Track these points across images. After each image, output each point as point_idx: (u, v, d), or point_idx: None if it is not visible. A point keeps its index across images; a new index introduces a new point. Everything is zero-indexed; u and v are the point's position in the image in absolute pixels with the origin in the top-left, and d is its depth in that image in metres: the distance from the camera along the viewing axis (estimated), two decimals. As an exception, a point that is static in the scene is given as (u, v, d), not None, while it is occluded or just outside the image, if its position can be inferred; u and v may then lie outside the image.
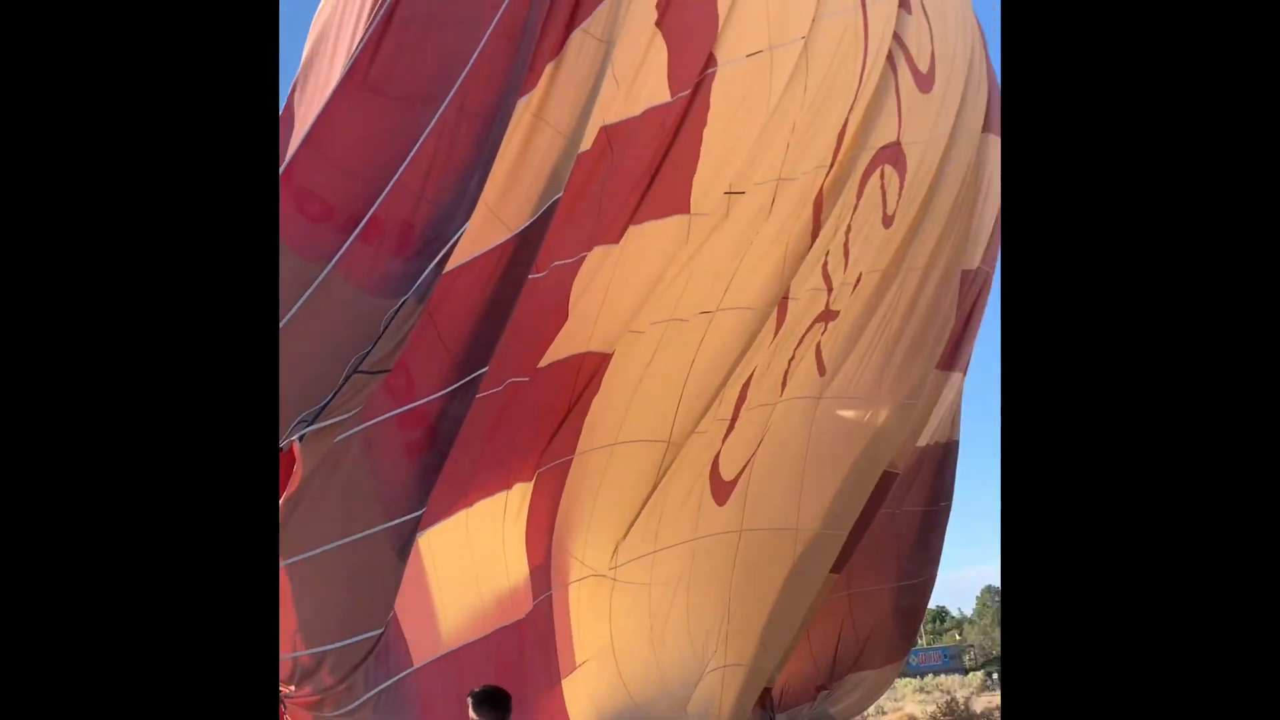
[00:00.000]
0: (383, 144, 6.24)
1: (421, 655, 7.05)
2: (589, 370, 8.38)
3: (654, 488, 9.12)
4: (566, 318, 7.97)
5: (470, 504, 7.62)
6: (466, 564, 7.66)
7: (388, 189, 6.22)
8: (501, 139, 6.42)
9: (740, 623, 9.78)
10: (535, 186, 7.01)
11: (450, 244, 6.34)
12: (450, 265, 6.90)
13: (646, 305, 8.47)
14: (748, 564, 9.81)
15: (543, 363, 8.00)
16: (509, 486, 8.10)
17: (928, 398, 10.45)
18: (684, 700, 9.38)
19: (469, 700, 4.21)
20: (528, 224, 6.99)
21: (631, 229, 8.00)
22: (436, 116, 6.20)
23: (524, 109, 6.80)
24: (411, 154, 6.21)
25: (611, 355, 8.45)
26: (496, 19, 6.35)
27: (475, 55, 6.27)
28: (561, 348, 8.08)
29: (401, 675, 6.76)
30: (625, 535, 9.07)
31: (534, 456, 8.31)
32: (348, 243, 6.35)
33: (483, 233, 6.81)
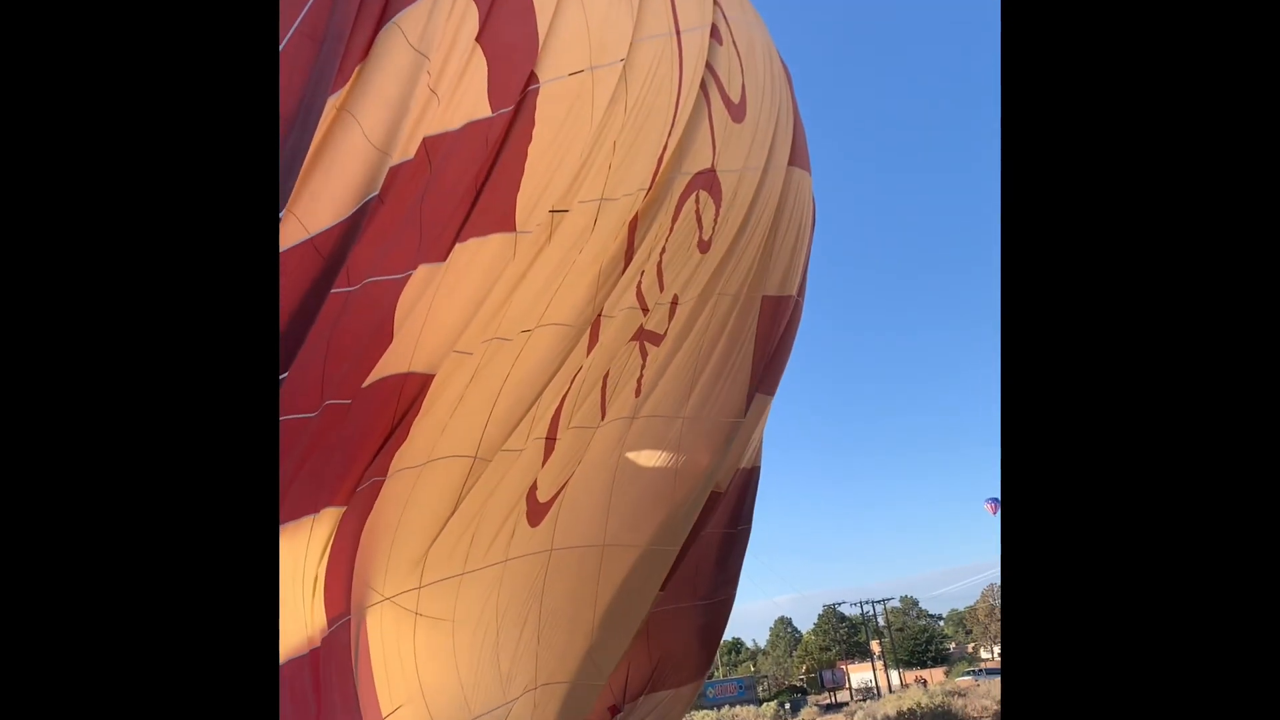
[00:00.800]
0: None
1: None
2: (411, 392, 8.02)
3: (457, 505, 8.81)
4: (391, 339, 7.58)
5: (282, 523, 7.06)
6: None
7: None
8: (307, 144, 6.08)
9: (554, 642, 9.65)
10: (340, 189, 6.67)
11: None
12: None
13: (472, 325, 8.21)
14: (560, 583, 9.71)
15: (368, 382, 7.57)
16: (316, 511, 7.60)
17: (751, 420, 10.77)
18: None
19: None
20: (330, 228, 6.63)
21: (457, 246, 7.74)
22: None
23: (331, 106, 6.47)
24: None
25: (434, 376, 8.10)
26: (299, 20, 6.03)
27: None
28: (384, 367, 7.68)
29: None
30: (426, 556, 8.69)
31: (348, 481, 7.82)
32: None
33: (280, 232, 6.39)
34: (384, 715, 8.21)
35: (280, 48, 6.08)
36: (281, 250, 6.90)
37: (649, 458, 10.55)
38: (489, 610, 9.36)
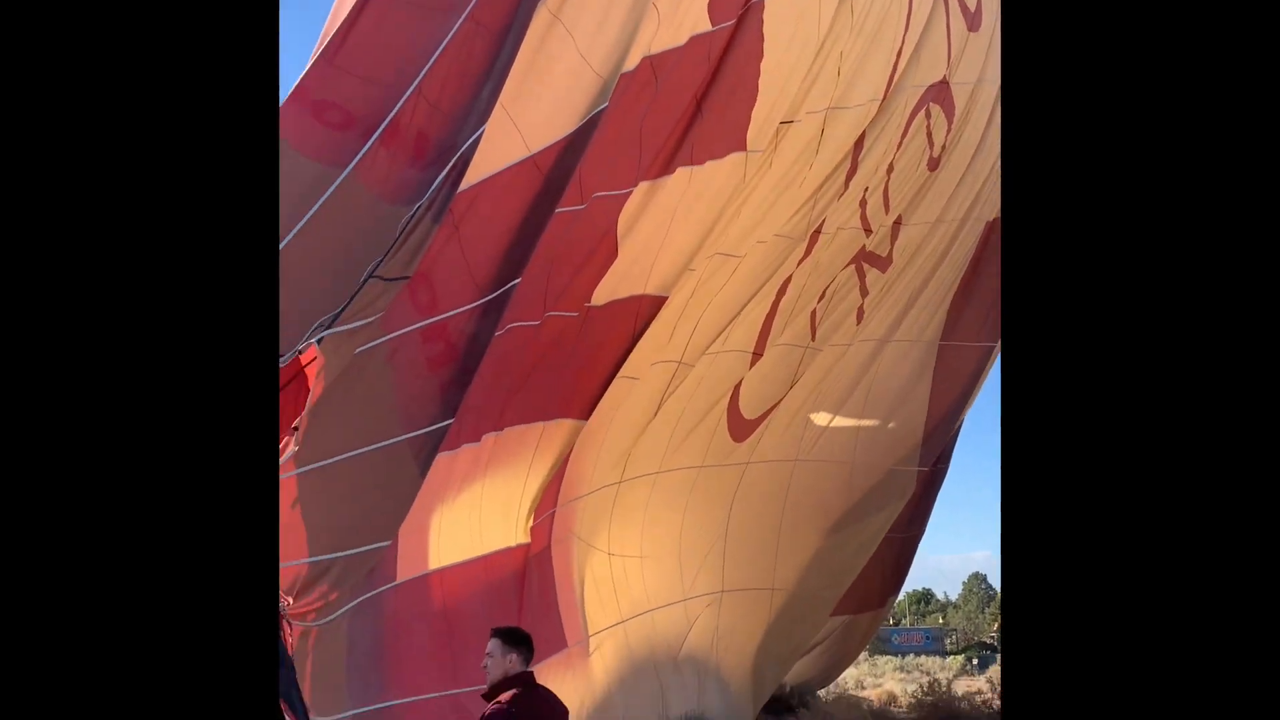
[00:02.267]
0: (402, 54, 6.18)
1: (405, 571, 7.04)
2: (645, 313, 8.24)
3: (658, 408, 9.03)
4: (616, 255, 7.81)
5: (500, 429, 7.51)
6: (475, 489, 7.59)
7: (405, 97, 6.15)
8: (516, 51, 6.33)
9: (740, 553, 9.85)
10: (560, 108, 6.88)
11: (461, 153, 6.26)
12: (471, 179, 6.83)
13: (705, 244, 8.33)
14: (754, 496, 9.84)
15: (596, 301, 7.85)
16: (548, 418, 8.01)
17: (965, 353, 10.39)
18: (678, 637, 9.46)
19: (498, 638, 4.07)
20: (550, 146, 6.86)
21: (691, 170, 7.81)
22: (455, 28, 6.12)
23: (547, 20, 6.66)
24: (429, 64, 6.14)
25: (667, 298, 8.32)
26: None
27: None
28: (618, 288, 7.93)
29: (382, 589, 6.76)
30: (629, 455, 8.99)
31: (582, 395, 8.18)
32: (365, 148, 6.28)
33: (500, 147, 6.69)
34: (587, 633, 8.67)
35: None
36: (503, 168, 7.25)
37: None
38: (676, 515, 9.62)
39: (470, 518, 7.59)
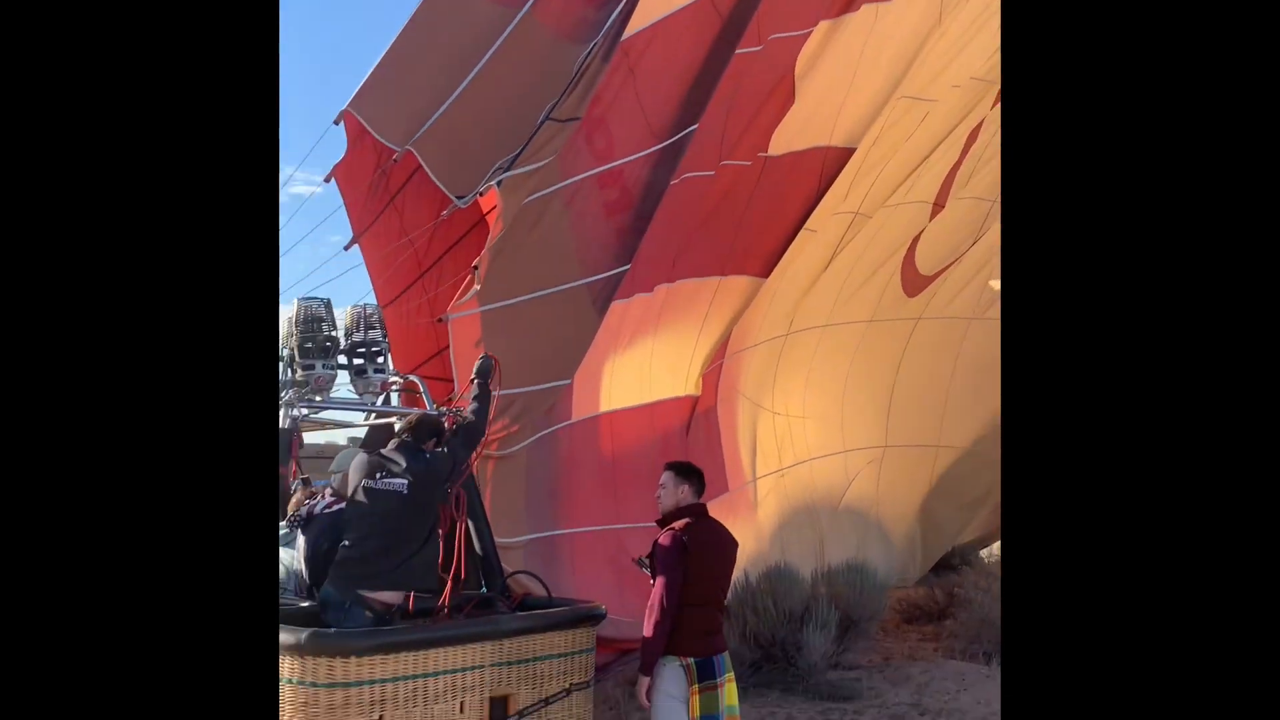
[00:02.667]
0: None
1: (579, 411, 7.27)
2: (832, 167, 7.90)
3: (832, 259, 8.78)
4: (793, 100, 7.50)
5: (672, 280, 7.53)
6: (646, 342, 7.70)
7: None
8: None
9: (906, 408, 9.71)
10: None
11: None
12: (646, 20, 6.64)
13: (898, 89, 7.85)
14: (923, 353, 9.61)
15: (773, 151, 7.60)
16: (723, 274, 7.94)
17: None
18: (838, 488, 9.48)
19: (671, 471, 4.21)
20: None
21: (877, 7, 7.33)
22: None
23: None
24: None
25: (854, 150, 7.91)
26: None
27: None
28: (797, 138, 7.63)
29: (558, 426, 7.01)
30: (797, 308, 8.85)
31: (760, 252, 8.03)
32: None
33: None
34: (747, 477, 8.81)
35: None
36: (679, 7, 7.04)
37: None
38: (841, 369, 9.50)
39: (640, 367, 7.73)
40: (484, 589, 4.42)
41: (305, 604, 4.27)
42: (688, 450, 8.06)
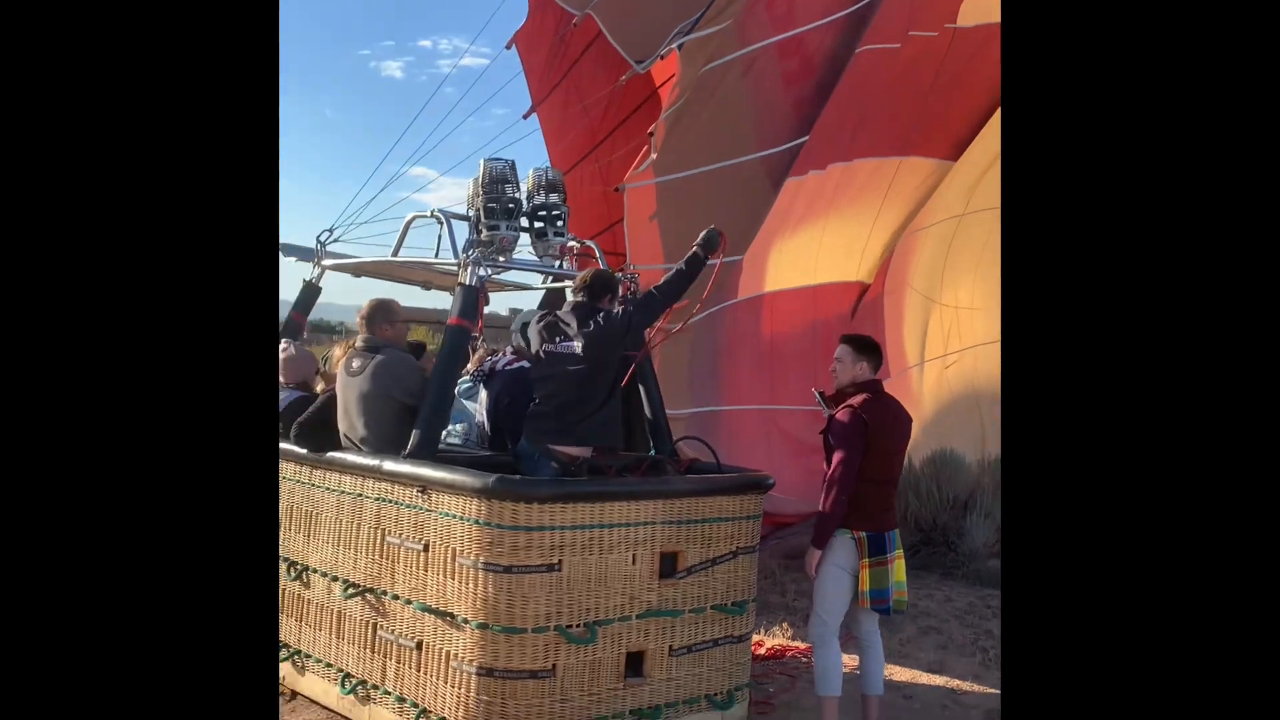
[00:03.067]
0: None
1: (745, 290, 7.17)
2: None
3: None
4: None
5: (848, 159, 7.26)
6: (818, 221, 7.48)
7: None
8: None
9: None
10: None
11: None
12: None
13: None
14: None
15: (962, 22, 7.10)
16: (904, 154, 7.59)
17: None
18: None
19: (849, 345, 4.13)
20: None
21: None
22: None
23: None
24: None
25: None
26: None
27: None
28: (992, 7, 7.13)
29: (725, 304, 6.96)
30: (975, 186, 8.38)
31: (943, 134, 7.59)
32: None
33: None
34: (905, 350, 8.57)
35: None
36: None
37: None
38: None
39: (808, 248, 7.54)
40: (653, 452, 4.52)
41: (485, 453, 4.49)
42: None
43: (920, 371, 8.71)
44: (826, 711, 3.86)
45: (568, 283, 5.29)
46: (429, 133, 7.26)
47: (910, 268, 8.46)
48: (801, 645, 5.35)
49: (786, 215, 7.11)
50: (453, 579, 3.60)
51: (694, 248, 4.13)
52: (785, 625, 5.50)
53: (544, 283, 5.39)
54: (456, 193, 6.19)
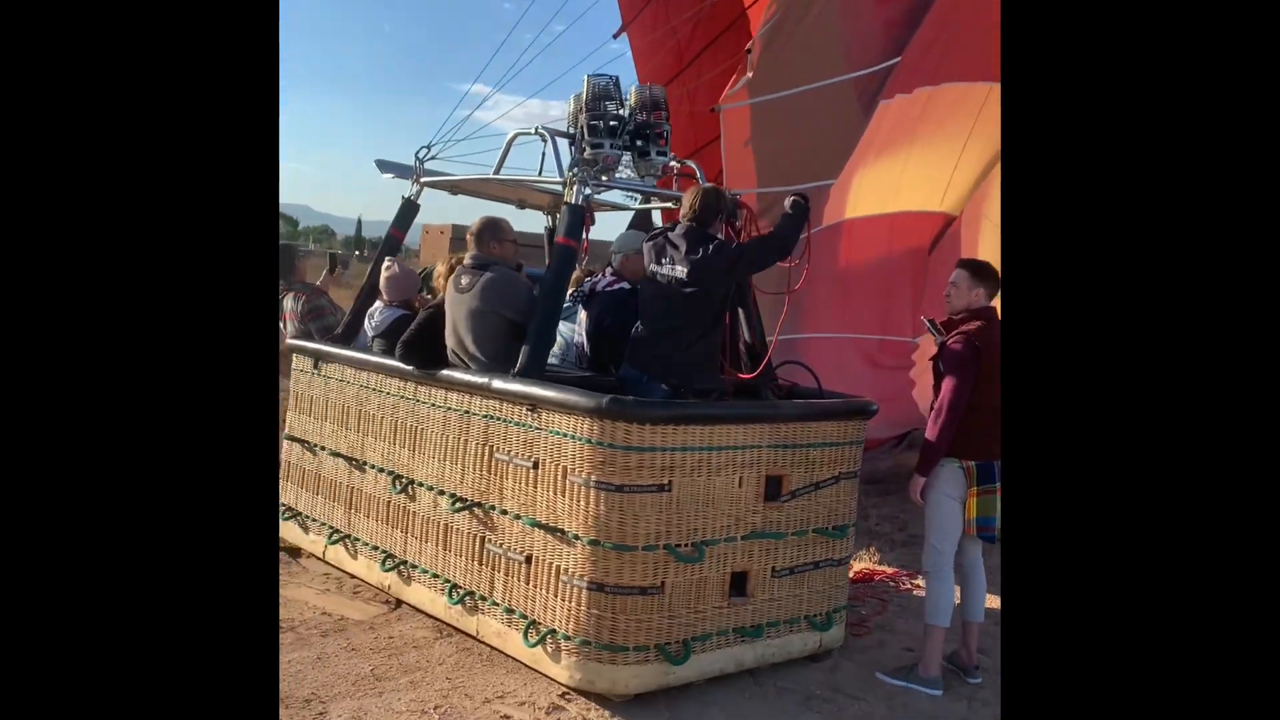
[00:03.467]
0: None
1: (829, 217, 7.04)
2: None
3: None
4: None
5: (935, 83, 7.03)
6: (902, 147, 7.27)
7: None
8: None
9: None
10: None
11: None
12: None
13: None
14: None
15: None
16: (995, 80, 7.32)
17: None
18: None
19: (965, 270, 4.05)
20: None
21: None
22: None
23: None
24: None
25: None
26: None
27: None
28: None
29: (813, 231, 6.84)
30: None
31: None
32: None
33: None
34: None
35: None
36: None
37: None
38: None
39: (891, 174, 7.37)
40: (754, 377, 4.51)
41: (586, 373, 4.51)
42: (928, 272, 7.77)
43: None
44: (933, 639, 3.88)
45: (668, 204, 5.25)
46: (494, 53, 7.14)
47: (989, 199, 8.27)
48: (888, 570, 5.37)
49: (871, 141, 6.95)
50: (563, 496, 3.65)
51: (793, 199, 4.11)
52: (871, 550, 5.52)
53: (640, 203, 5.35)
54: (518, 113, 6.08)
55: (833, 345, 7.26)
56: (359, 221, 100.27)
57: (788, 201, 4.14)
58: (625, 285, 4.61)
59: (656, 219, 6.46)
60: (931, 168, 7.50)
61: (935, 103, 7.10)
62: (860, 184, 7.14)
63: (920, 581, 5.24)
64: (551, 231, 5.31)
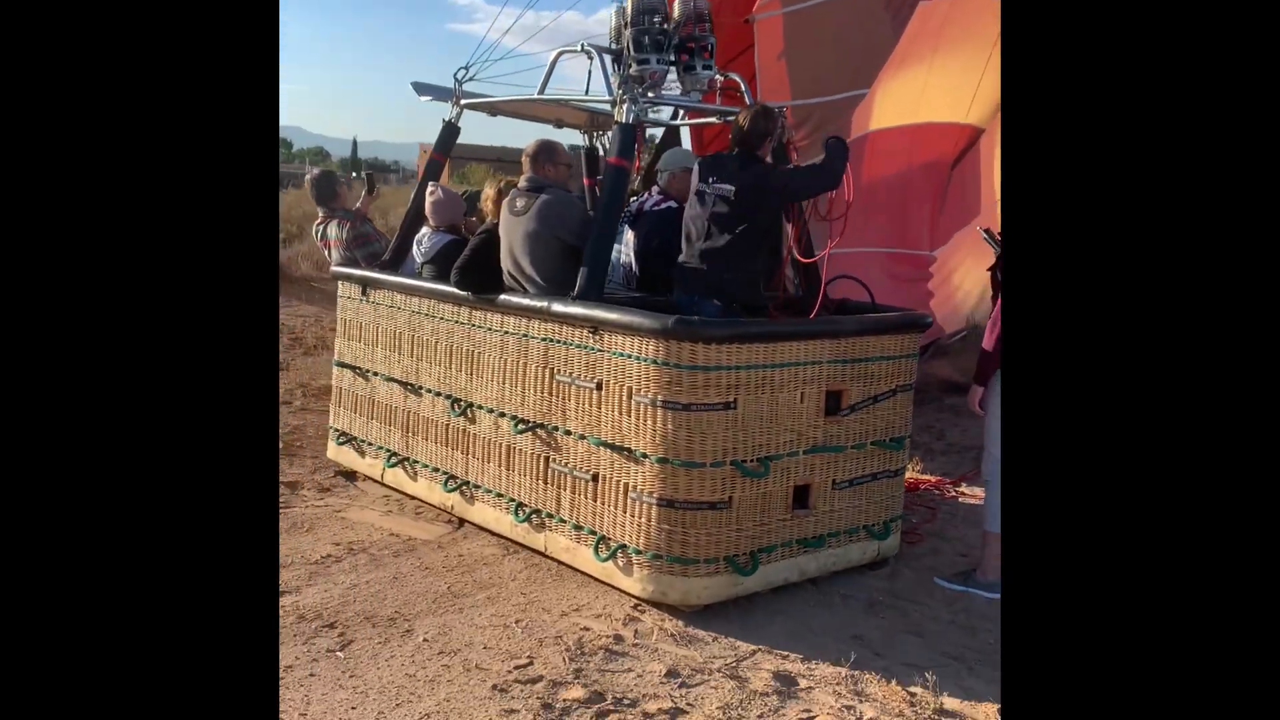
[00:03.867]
0: None
1: (855, 130, 6.96)
2: None
3: None
4: None
5: None
6: (925, 57, 7.13)
7: None
8: None
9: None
10: None
11: None
12: None
13: None
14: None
15: None
16: None
17: None
18: None
19: None
20: None
21: None
22: None
23: None
24: None
25: None
26: None
27: None
28: None
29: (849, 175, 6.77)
30: None
31: None
32: None
33: None
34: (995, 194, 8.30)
35: None
36: None
37: None
38: None
39: (914, 85, 7.23)
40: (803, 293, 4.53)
41: (637, 294, 4.53)
42: (952, 185, 7.68)
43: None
44: (991, 545, 3.97)
45: (711, 119, 5.19)
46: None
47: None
48: (932, 479, 5.47)
49: (903, 49, 6.84)
50: (628, 416, 3.70)
51: (831, 140, 4.08)
52: (915, 460, 5.61)
53: (681, 117, 5.29)
54: (501, 22, 5.94)
55: (851, 259, 7.24)
56: (354, 142, 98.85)
57: (826, 140, 4.12)
58: (673, 204, 4.60)
59: (685, 140, 6.39)
60: (955, 78, 7.36)
61: (959, 7, 6.95)
62: (884, 96, 7.04)
63: (965, 488, 5.35)
64: (588, 150, 5.27)
